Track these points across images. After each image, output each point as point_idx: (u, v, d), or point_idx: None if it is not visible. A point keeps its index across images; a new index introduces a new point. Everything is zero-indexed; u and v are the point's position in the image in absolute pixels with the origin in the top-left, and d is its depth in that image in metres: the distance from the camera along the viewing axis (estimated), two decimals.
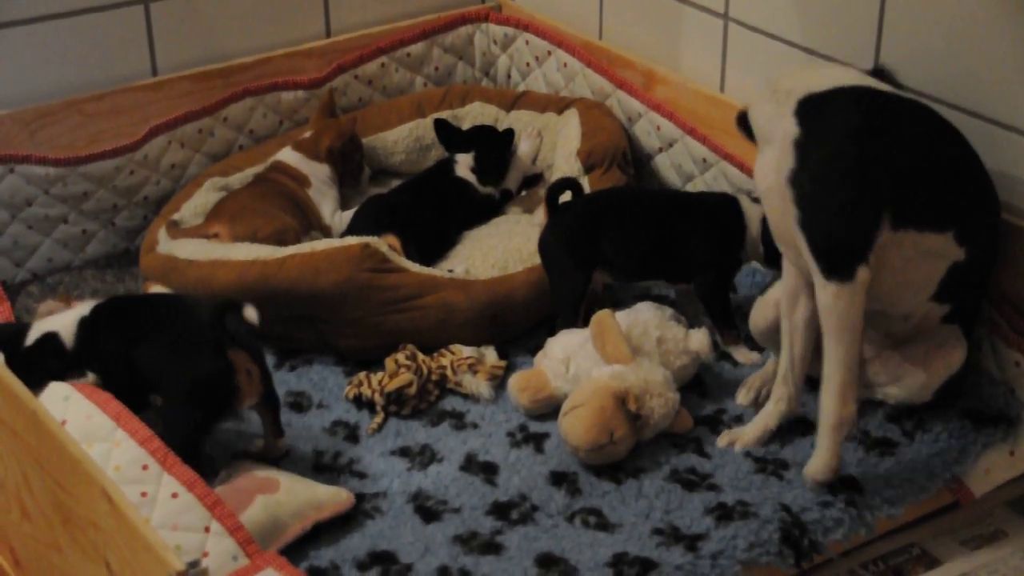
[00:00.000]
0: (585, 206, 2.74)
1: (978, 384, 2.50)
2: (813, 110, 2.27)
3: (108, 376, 2.30)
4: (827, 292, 2.23)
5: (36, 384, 2.21)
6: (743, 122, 2.39)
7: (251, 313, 2.27)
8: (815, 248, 2.23)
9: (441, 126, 3.14)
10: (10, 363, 2.26)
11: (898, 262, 2.27)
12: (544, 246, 2.71)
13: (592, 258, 2.66)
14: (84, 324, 2.33)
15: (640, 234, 2.67)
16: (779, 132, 2.29)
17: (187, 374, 2.23)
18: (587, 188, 2.94)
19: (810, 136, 2.25)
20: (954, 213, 2.29)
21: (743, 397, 2.54)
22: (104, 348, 2.30)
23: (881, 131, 2.25)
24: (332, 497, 2.25)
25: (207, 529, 2.06)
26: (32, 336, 2.34)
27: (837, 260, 2.22)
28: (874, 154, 2.23)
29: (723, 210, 2.71)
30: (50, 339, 2.32)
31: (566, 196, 2.75)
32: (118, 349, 2.28)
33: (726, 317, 2.67)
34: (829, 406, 2.28)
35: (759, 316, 2.54)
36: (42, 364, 2.30)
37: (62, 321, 2.35)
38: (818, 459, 2.30)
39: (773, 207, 2.32)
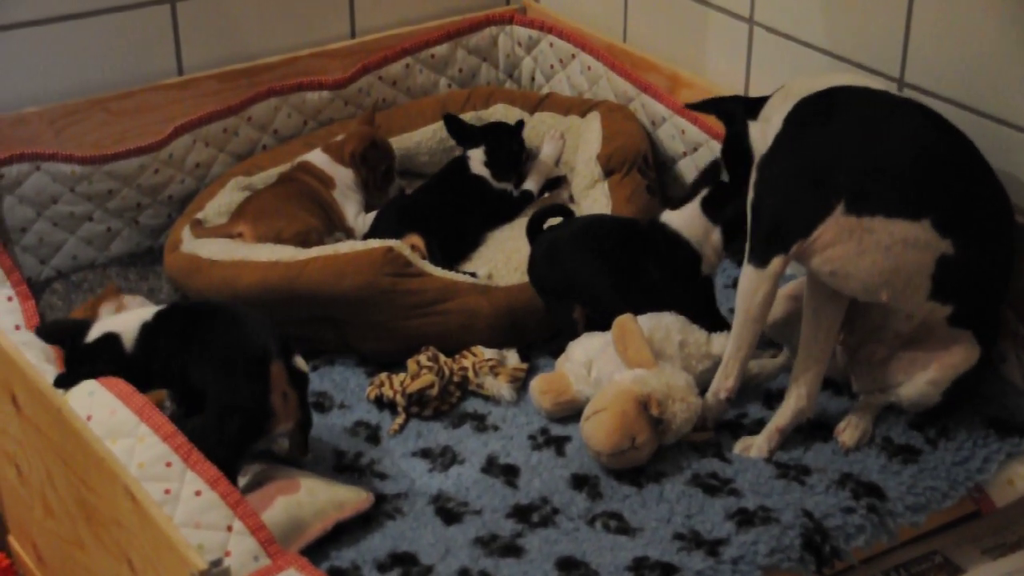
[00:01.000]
0: (548, 242, 2.66)
1: (1003, 393, 2.50)
2: (800, 111, 2.39)
3: (168, 385, 2.30)
4: (744, 272, 2.38)
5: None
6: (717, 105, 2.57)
7: (301, 362, 2.27)
8: (751, 230, 2.37)
9: (451, 121, 3.14)
10: (69, 359, 2.28)
11: (876, 249, 2.28)
12: (531, 271, 2.67)
13: (566, 292, 2.62)
14: (146, 329, 2.30)
15: (600, 268, 2.60)
16: (771, 133, 2.41)
17: (227, 393, 2.21)
18: (607, 192, 2.94)
19: (786, 132, 2.38)
20: (928, 202, 2.28)
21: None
22: (163, 358, 2.29)
23: (846, 122, 2.32)
24: (353, 497, 2.26)
25: (229, 528, 2.06)
26: (93, 334, 2.31)
27: (760, 247, 2.35)
28: (832, 145, 2.31)
29: (663, 237, 2.61)
30: (111, 340, 2.29)
31: (553, 221, 2.72)
32: (175, 361, 2.27)
33: (720, 328, 2.60)
34: (717, 375, 2.46)
35: (773, 310, 2.55)
36: (99, 364, 2.26)
37: (124, 323, 2.32)
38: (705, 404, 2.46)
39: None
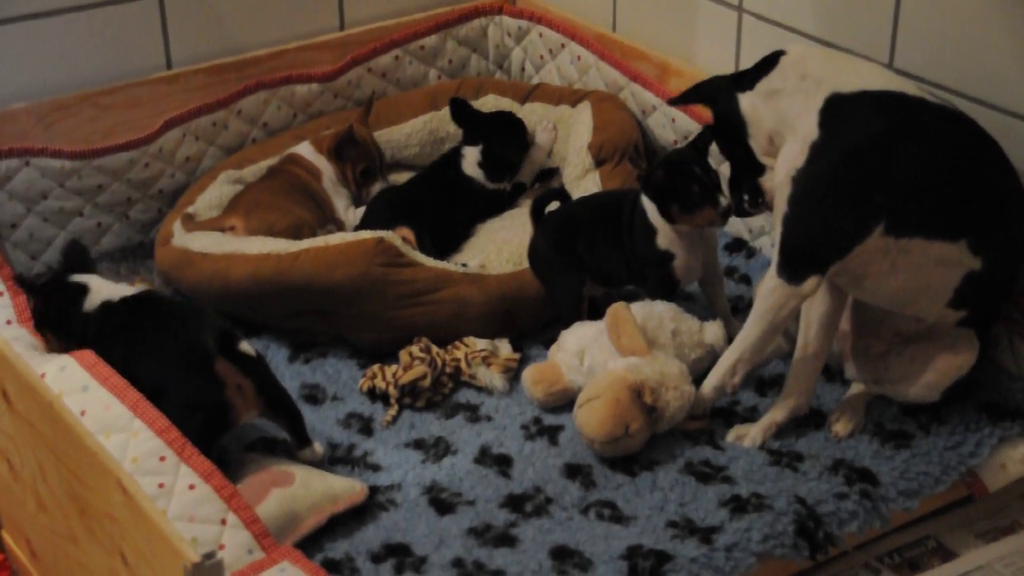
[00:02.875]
0: (562, 214, 2.73)
1: (996, 379, 2.50)
2: (837, 114, 2.27)
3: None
4: (772, 281, 2.31)
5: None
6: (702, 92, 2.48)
7: (247, 347, 2.28)
8: (783, 244, 2.29)
9: (458, 106, 3.11)
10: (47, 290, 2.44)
11: (909, 268, 2.28)
12: (534, 255, 2.70)
13: (579, 264, 2.65)
14: (106, 308, 2.39)
15: (607, 240, 2.65)
16: (802, 128, 2.30)
17: (177, 393, 2.22)
18: (598, 182, 2.94)
19: (826, 142, 2.26)
20: (968, 223, 2.27)
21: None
22: (106, 346, 2.32)
23: (891, 143, 2.24)
24: (347, 490, 2.26)
25: (223, 521, 2.06)
26: (95, 299, 2.41)
27: (794, 264, 2.29)
28: (874, 168, 2.23)
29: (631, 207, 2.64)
30: (79, 290, 2.42)
31: (553, 206, 2.76)
32: (120, 353, 2.30)
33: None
34: (718, 368, 2.42)
35: None
36: (61, 309, 2.41)
37: (100, 286, 2.43)
38: (703, 393, 2.44)
39: (777, 200, 2.34)
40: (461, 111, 3.10)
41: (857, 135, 2.25)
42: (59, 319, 2.44)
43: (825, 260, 2.27)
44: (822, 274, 2.28)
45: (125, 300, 2.40)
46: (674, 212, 2.52)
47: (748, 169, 2.43)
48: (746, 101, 2.39)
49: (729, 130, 2.45)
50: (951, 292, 2.31)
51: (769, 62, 2.39)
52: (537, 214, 2.75)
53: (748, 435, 2.41)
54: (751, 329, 2.37)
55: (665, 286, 2.59)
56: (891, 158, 2.24)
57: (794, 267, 2.28)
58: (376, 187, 3.07)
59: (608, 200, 2.73)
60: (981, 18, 2.48)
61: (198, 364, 2.23)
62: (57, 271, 2.54)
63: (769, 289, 2.32)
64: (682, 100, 2.54)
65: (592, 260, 2.65)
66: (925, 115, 2.28)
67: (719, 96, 2.45)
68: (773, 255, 2.32)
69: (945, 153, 2.26)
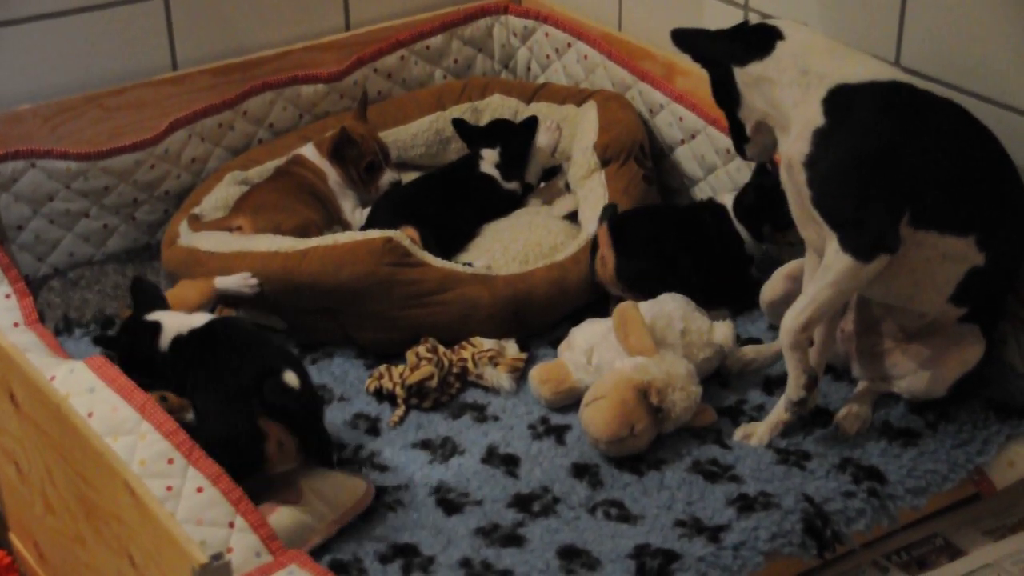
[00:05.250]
0: (647, 238, 2.75)
1: (1003, 376, 2.49)
2: (843, 101, 2.26)
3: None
4: (840, 258, 2.23)
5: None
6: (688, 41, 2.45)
7: (291, 378, 2.23)
8: (833, 223, 2.23)
9: (460, 125, 3.13)
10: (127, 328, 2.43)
11: (917, 262, 2.27)
12: (639, 276, 2.69)
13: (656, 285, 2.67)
14: (176, 344, 2.35)
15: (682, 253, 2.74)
16: (800, 118, 2.28)
17: (218, 432, 2.20)
18: (604, 182, 2.93)
19: (835, 126, 2.24)
20: (978, 218, 2.27)
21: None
22: (180, 375, 2.32)
23: (910, 129, 2.23)
24: (354, 495, 2.25)
25: (231, 524, 2.06)
26: (167, 336, 2.37)
27: (857, 239, 2.22)
28: (900, 152, 2.22)
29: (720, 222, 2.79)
30: (154, 329, 2.38)
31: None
32: (188, 389, 2.29)
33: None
34: (788, 324, 2.30)
35: (768, 289, 2.56)
36: (134, 345, 2.38)
37: (173, 320, 2.39)
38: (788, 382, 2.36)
39: (789, 192, 2.33)
40: (463, 129, 3.12)
41: (871, 119, 2.24)
42: (143, 362, 2.37)
43: (887, 234, 2.22)
44: (891, 251, 2.23)
45: (193, 332, 2.36)
46: (766, 232, 2.73)
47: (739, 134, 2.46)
48: (744, 80, 2.38)
49: (725, 94, 2.44)
50: (953, 287, 2.31)
51: (764, 43, 2.35)
52: (616, 235, 2.72)
53: (755, 434, 2.41)
54: (819, 293, 2.28)
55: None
56: (907, 146, 2.23)
57: (861, 245, 2.22)
58: (386, 178, 3.05)
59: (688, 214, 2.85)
60: (987, 15, 2.48)
61: (241, 412, 2.19)
62: (131, 315, 2.47)
63: (839, 264, 2.23)
64: (686, 47, 2.49)
65: (675, 275, 2.68)
66: (933, 107, 2.28)
67: (717, 63, 2.43)
68: (827, 237, 2.25)
69: (956, 147, 2.27)
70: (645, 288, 2.63)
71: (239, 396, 2.21)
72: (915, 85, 2.31)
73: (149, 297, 2.47)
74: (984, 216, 2.28)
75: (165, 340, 2.35)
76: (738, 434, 2.43)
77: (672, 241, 2.73)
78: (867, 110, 2.24)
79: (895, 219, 2.23)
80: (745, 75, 2.36)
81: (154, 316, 2.40)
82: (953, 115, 2.30)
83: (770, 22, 2.40)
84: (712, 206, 2.80)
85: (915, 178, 2.23)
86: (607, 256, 2.68)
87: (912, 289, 2.32)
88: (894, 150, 2.22)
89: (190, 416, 2.27)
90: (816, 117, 2.26)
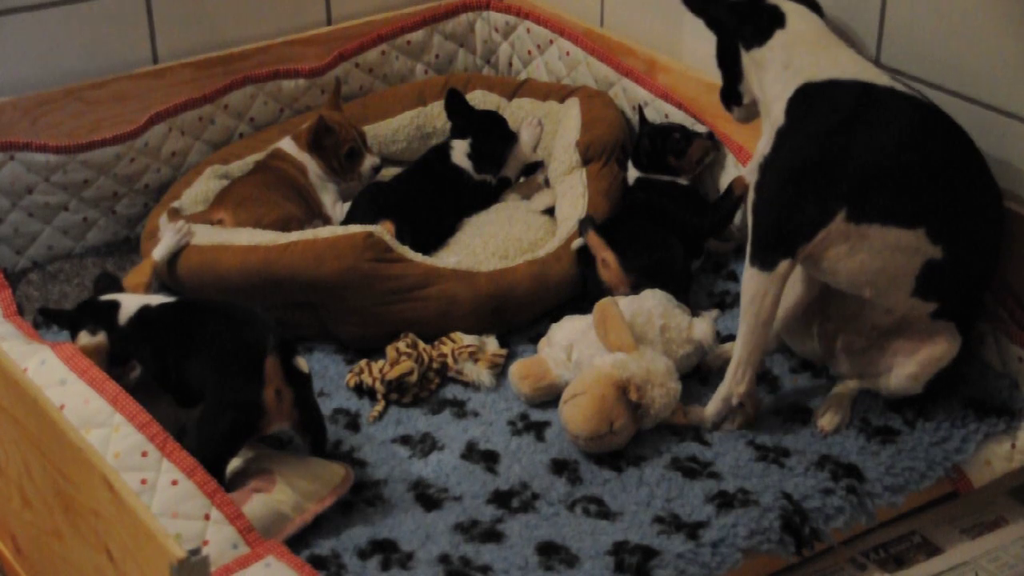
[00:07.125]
0: (650, 235, 2.78)
1: (982, 375, 2.50)
2: (804, 102, 2.32)
3: (159, 378, 2.32)
4: (748, 274, 2.35)
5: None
6: None
7: (302, 363, 2.24)
8: (753, 232, 2.34)
9: (454, 97, 3.09)
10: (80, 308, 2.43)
11: (867, 254, 2.29)
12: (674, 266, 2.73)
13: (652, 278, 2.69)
14: (144, 313, 2.36)
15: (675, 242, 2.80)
16: (773, 115, 2.35)
17: (216, 386, 2.20)
18: (584, 180, 2.93)
19: (790, 128, 2.31)
20: (925, 212, 2.28)
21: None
22: (154, 352, 2.32)
23: (850, 129, 2.27)
24: (331, 483, 2.24)
25: (207, 517, 2.06)
26: (126, 313, 2.38)
27: (764, 249, 2.32)
28: (836, 152, 2.27)
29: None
30: (111, 307, 2.39)
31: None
32: (169, 357, 2.29)
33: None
34: (726, 378, 2.42)
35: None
36: (91, 321, 2.38)
37: (129, 298, 2.41)
38: (708, 407, 2.44)
39: (750, 191, 2.39)
40: (456, 103, 3.09)
41: (819, 122, 2.30)
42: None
43: (793, 244, 2.30)
44: (793, 258, 2.31)
45: (165, 306, 2.37)
46: (672, 163, 2.85)
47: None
48: (743, 59, 2.47)
49: (728, 61, 2.53)
50: (912, 280, 2.32)
51: (767, 28, 2.41)
52: (608, 234, 2.74)
53: (698, 415, 2.45)
54: (741, 328, 2.38)
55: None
56: (850, 144, 2.27)
57: (766, 254, 2.32)
58: (367, 162, 3.03)
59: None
60: (969, 13, 2.48)
61: (248, 359, 2.18)
62: (88, 298, 2.49)
63: (746, 280, 2.36)
64: (696, 9, 2.53)
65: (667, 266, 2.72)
66: (890, 103, 2.31)
67: (726, 33, 2.50)
68: (747, 246, 2.36)
69: (905, 142, 2.29)
70: (655, 273, 2.66)
71: (248, 346, 2.20)
72: (876, 82, 2.33)
73: (107, 284, 2.52)
74: (935, 210, 2.29)
75: (124, 316, 2.36)
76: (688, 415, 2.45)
77: (655, 221, 2.77)
78: (817, 110, 2.31)
79: (814, 226, 2.28)
80: (748, 58, 2.45)
81: (110, 296, 2.43)
82: (909, 111, 2.31)
83: (781, 5, 2.44)
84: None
85: (855, 176, 2.27)
86: (608, 258, 2.68)
87: (866, 278, 2.32)
88: (833, 154, 2.27)
89: (136, 374, 2.35)
90: (780, 117, 2.33)
